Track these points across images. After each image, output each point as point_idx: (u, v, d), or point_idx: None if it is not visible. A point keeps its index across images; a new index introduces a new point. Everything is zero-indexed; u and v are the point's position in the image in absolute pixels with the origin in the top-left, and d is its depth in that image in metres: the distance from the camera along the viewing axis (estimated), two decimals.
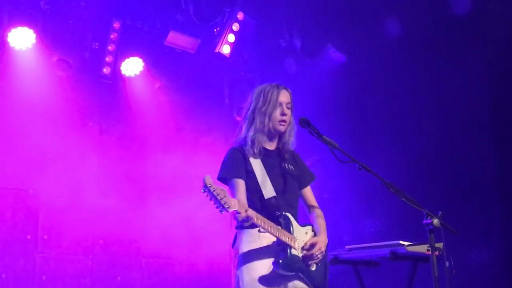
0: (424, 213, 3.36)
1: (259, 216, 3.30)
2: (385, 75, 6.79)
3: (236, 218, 3.31)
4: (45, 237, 6.26)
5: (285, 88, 3.72)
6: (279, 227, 3.43)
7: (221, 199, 3.10)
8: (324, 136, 3.54)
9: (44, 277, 6.16)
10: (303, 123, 3.57)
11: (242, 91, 7.62)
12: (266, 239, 3.46)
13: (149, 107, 7.08)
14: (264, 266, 3.44)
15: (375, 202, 6.26)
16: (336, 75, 7.27)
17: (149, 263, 6.90)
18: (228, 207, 3.12)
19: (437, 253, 3.38)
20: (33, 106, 6.28)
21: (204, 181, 3.11)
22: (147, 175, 7.02)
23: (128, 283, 6.67)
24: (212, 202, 3.13)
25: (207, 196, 3.12)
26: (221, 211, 3.15)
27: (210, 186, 3.10)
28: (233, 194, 3.51)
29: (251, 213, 3.22)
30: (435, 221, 3.32)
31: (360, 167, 3.42)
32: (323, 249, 3.54)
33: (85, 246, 6.46)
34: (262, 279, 3.42)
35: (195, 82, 7.40)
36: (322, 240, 3.56)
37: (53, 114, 6.44)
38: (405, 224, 5.35)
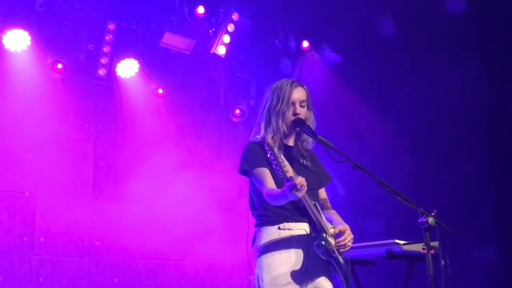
0: (419, 211, 3.37)
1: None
2: (380, 75, 6.81)
3: (285, 192, 3.16)
4: (42, 239, 6.25)
5: (300, 85, 3.64)
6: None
7: (281, 162, 3.08)
8: (319, 136, 3.53)
9: (40, 279, 6.15)
10: (298, 123, 3.57)
11: (238, 92, 7.65)
12: (285, 232, 3.39)
13: (144, 108, 7.08)
14: (284, 264, 3.36)
15: (371, 201, 6.26)
16: (331, 76, 7.28)
17: (146, 265, 6.89)
18: (287, 172, 3.07)
19: (432, 251, 3.39)
20: (28, 108, 6.28)
21: (267, 141, 3.12)
22: (143, 177, 7.02)
23: (125, 284, 6.66)
24: (273, 165, 3.11)
25: (270, 157, 3.11)
26: (279, 176, 3.12)
27: (274, 147, 3.11)
28: (259, 183, 3.43)
29: (303, 180, 3.10)
30: (430, 220, 3.32)
31: (354, 166, 3.43)
32: (352, 236, 3.46)
33: (81, 248, 6.45)
34: (282, 278, 3.34)
35: (190, 83, 7.39)
36: (349, 228, 3.49)
37: (48, 116, 6.43)
38: (402, 223, 5.35)
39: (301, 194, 3.11)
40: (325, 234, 3.34)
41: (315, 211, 3.33)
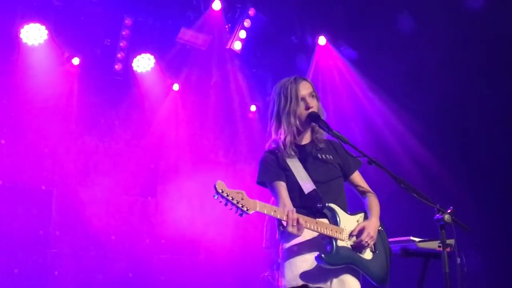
0: (435, 208, 3.32)
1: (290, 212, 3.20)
2: (396, 71, 6.74)
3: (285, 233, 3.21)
4: (57, 233, 6.31)
5: (304, 79, 3.58)
6: (320, 220, 3.31)
7: (237, 203, 3.02)
8: (334, 131, 3.49)
9: (56, 273, 6.21)
10: (313, 118, 3.53)
11: (253, 87, 7.64)
12: (309, 233, 3.32)
13: (160, 103, 7.10)
14: (306, 261, 3.35)
15: (386, 197, 6.22)
16: (348, 72, 7.24)
17: (161, 259, 6.91)
18: (247, 210, 3.03)
19: (448, 249, 3.34)
20: (44, 103, 6.33)
21: (215, 187, 3.00)
22: (159, 171, 7.04)
23: (140, 279, 6.69)
24: (229, 208, 3.04)
25: (221, 202, 3.03)
26: (241, 215, 3.07)
27: (222, 192, 3.00)
28: (275, 198, 3.43)
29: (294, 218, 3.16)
30: (446, 217, 3.26)
31: (370, 161, 3.38)
32: (372, 234, 3.37)
33: (97, 243, 6.49)
34: (304, 275, 3.32)
35: (206, 78, 7.40)
36: (371, 225, 3.39)
37: (65, 110, 6.48)
38: (418, 219, 5.31)
39: (297, 230, 3.16)
40: (335, 242, 3.29)
41: (311, 223, 3.24)
